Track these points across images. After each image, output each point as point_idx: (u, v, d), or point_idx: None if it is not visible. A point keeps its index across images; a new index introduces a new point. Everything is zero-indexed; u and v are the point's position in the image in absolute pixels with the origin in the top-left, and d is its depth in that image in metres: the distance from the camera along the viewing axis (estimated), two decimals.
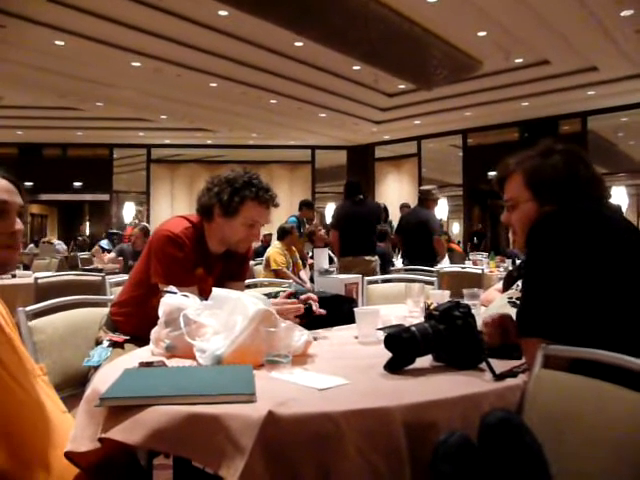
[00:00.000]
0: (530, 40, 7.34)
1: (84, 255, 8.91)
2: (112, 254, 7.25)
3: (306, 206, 7.55)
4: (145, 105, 10.50)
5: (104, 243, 9.16)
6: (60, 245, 11.51)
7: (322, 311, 1.84)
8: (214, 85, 9.16)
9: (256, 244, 7.51)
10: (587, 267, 1.24)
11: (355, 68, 8.44)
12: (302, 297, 1.85)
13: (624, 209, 9.69)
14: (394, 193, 13.46)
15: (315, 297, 1.88)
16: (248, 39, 7.34)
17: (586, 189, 1.40)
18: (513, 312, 1.43)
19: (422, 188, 6.17)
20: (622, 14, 6.39)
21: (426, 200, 5.88)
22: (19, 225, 1.29)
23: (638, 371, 1.03)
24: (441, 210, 10.72)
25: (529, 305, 1.30)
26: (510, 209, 1.52)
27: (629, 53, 7.68)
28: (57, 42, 7.26)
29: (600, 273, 1.23)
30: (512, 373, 1.28)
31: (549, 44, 7.44)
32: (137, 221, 8.78)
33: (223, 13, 6.46)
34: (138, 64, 8.15)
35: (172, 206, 13.87)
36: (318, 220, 11.52)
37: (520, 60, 8.15)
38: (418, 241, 5.77)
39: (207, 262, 2.06)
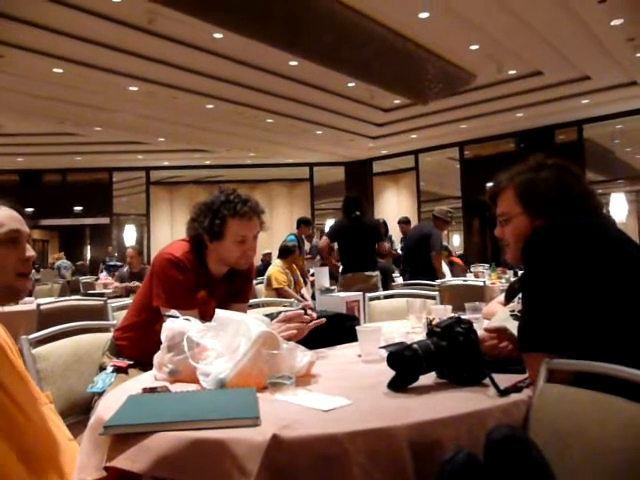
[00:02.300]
0: (522, 52, 7.42)
1: (86, 279, 8.90)
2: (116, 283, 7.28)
3: (304, 223, 7.57)
4: (143, 128, 10.58)
5: (103, 275, 9.16)
6: (66, 269, 11.46)
7: (322, 320, 1.78)
8: (210, 106, 9.23)
9: (257, 263, 7.51)
10: (585, 279, 1.24)
11: (350, 85, 8.51)
12: (300, 306, 1.85)
13: (624, 216, 9.71)
14: (393, 207, 13.50)
15: (311, 304, 1.87)
16: (243, 60, 7.42)
17: (578, 202, 1.41)
18: (516, 325, 1.43)
19: (440, 207, 6.38)
20: (612, 23, 6.46)
21: (438, 219, 6.05)
22: (31, 252, 1.32)
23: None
24: None
25: (530, 320, 1.30)
26: (503, 223, 1.54)
27: (621, 61, 7.75)
28: (55, 70, 7.34)
29: (598, 285, 1.23)
30: (516, 388, 1.27)
31: (541, 55, 7.51)
32: None
33: (218, 36, 6.55)
34: (135, 88, 8.22)
35: (172, 227, 13.91)
36: (318, 237, 11.53)
37: (513, 72, 8.22)
38: (419, 256, 5.83)
39: (209, 284, 2.06)
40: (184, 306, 1.85)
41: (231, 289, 2.15)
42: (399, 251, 8.27)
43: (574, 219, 1.36)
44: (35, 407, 1.29)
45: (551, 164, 1.48)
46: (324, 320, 1.79)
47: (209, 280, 2.06)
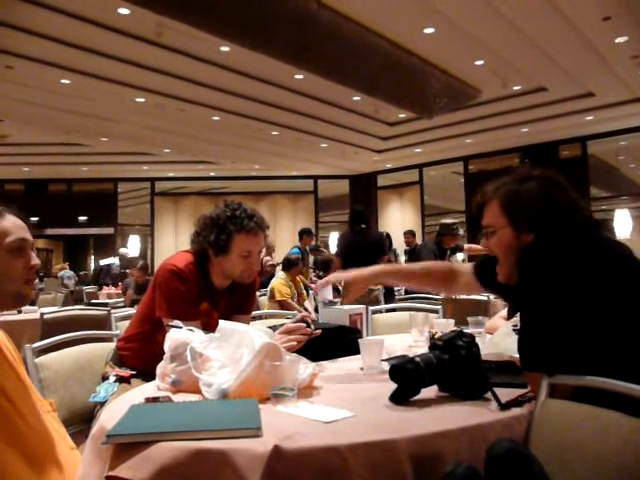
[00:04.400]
0: (527, 68, 7.46)
1: (89, 289, 8.93)
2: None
3: (306, 234, 7.57)
4: (149, 139, 10.64)
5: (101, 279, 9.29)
6: (69, 279, 11.53)
7: (317, 332, 1.80)
8: (216, 118, 9.29)
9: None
10: (583, 295, 1.22)
11: (355, 99, 8.56)
12: (298, 317, 1.85)
13: (628, 232, 9.69)
14: (397, 221, 13.51)
15: (310, 314, 1.89)
16: (249, 73, 7.48)
17: (565, 214, 1.38)
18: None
19: (444, 221, 5.82)
20: (616, 41, 6.50)
21: (445, 235, 5.69)
22: (35, 260, 1.34)
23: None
24: None
25: (530, 341, 1.28)
26: (489, 235, 1.51)
27: (625, 78, 7.78)
28: (63, 81, 7.42)
29: (597, 300, 1.22)
30: (518, 402, 1.27)
31: (545, 71, 7.55)
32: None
33: (225, 49, 6.61)
34: (142, 100, 8.29)
35: (176, 238, 13.95)
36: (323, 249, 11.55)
37: (518, 87, 8.26)
38: None
39: (212, 296, 2.07)
40: (186, 317, 1.86)
41: (234, 301, 2.16)
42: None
43: (568, 233, 1.31)
44: (37, 414, 1.29)
45: (537, 175, 1.45)
46: (319, 331, 1.81)
47: (212, 292, 2.07)
